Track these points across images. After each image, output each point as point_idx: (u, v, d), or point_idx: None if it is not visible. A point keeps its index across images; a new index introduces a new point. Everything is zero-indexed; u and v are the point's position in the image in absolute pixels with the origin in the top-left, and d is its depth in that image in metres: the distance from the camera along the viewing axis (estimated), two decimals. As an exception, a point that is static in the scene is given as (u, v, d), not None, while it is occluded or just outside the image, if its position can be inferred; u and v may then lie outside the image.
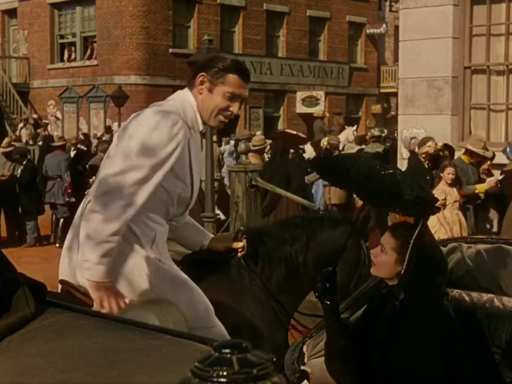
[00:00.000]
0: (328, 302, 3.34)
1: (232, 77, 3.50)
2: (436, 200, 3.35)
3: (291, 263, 4.13)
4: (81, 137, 21.97)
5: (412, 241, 3.26)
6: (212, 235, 3.99)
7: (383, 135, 15.39)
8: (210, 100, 3.50)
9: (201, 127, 3.55)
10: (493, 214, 10.10)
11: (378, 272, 3.46)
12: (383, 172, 3.45)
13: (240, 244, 3.93)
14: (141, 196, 3.24)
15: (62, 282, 3.45)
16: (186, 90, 3.59)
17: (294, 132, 15.21)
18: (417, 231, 3.27)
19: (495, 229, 9.91)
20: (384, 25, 36.10)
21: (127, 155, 3.26)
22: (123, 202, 3.20)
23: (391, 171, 3.43)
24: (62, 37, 31.38)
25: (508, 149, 10.26)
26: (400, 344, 3.24)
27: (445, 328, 3.26)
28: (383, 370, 3.29)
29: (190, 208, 3.66)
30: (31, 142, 23.29)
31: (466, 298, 3.64)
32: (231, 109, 3.53)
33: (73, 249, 3.46)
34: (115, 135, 3.60)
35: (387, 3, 36.95)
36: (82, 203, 3.53)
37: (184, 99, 3.52)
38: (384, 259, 3.37)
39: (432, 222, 8.84)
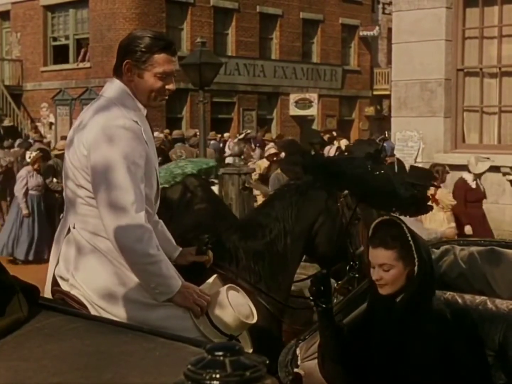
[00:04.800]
0: (323, 305, 3.32)
1: (158, 57, 3.33)
2: (429, 198, 3.37)
3: (271, 249, 4.06)
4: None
5: (410, 239, 3.24)
6: (181, 248, 3.84)
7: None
8: (143, 85, 3.35)
9: (144, 112, 3.42)
10: None
11: (391, 289, 3.30)
12: (376, 173, 3.47)
13: (204, 258, 3.77)
14: (141, 210, 3.21)
15: (57, 290, 3.43)
16: (115, 80, 3.42)
17: None
18: (405, 227, 3.26)
19: None
20: (377, 28, 36.14)
21: (108, 184, 3.17)
22: (135, 228, 3.18)
23: (383, 171, 3.45)
24: (55, 39, 31.34)
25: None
26: (404, 344, 3.24)
27: (445, 327, 3.27)
28: (383, 371, 3.28)
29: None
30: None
31: (459, 300, 3.65)
32: (167, 87, 3.39)
33: (54, 260, 3.47)
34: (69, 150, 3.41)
35: (380, 6, 36.99)
36: (63, 223, 3.50)
37: (118, 91, 3.37)
38: (394, 274, 3.25)
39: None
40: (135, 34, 3.45)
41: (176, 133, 18.49)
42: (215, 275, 3.67)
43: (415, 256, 3.23)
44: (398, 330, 3.27)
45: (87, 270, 3.32)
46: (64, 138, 21.32)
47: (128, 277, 3.28)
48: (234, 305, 3.45)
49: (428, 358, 3.21)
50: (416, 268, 3.24)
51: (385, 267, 3.24)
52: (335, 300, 4.01)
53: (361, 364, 3.37)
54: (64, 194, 3.51)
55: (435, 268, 3.52)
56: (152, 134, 3.56)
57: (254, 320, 3.53)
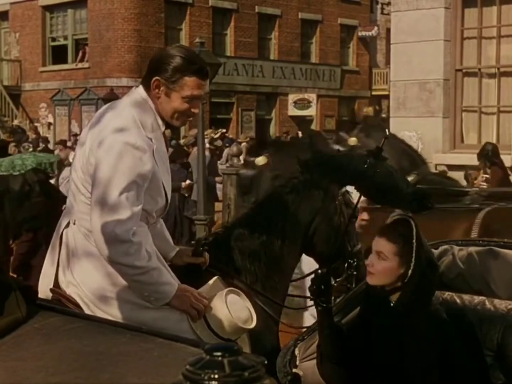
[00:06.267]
0: (324, 304, 3.33)
1: (189, 80, 3.29)
2: (430, 196, 3.42)
3: (267, 250, 4.05)
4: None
5: (414, 242, 3.25)
6: (178, 248, 3.83)
7: None
8: (168, 104, 3.33)
9: (162, 128, 3.40)
10: None
11: (378, 280, 3.34)
12: (378, 170, 3.52)
13: (200, 259, 3.76)
14: (131, 227, 3.18)
15: (53, 291, 3.43)
16: (142, 91, 3.37)
17: None
18: (415, 230, 3.27)
19: None
20: (375, 28, 36.15)
21: (104, 195, 3.17)
22: (121, 243, 3.16)
23: (384, 167, 3.49)
24: (53, 39, 31.33)
25: None
26: (401, 345, 3.24)
27: (442, 328, 3.27)
28: (382, 371, 3.29)
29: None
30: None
31: (458, 300, 3.65)
32: (192, 110, 3.37)
33: (52, 264, 3.47)
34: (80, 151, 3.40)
35: (379, 6, 36.98)
36: (63, 218, 3.49)
37: (141, 103, 3.35)
38: (385, 266, 3.29)
39: None
40: (168, 52, 3.40)
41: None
42: (216, 277, 3.66)
43: (413, 259, 3.24)
44: (395, 331, 3.27)
45: (84, 269, 3.32)
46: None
47: None
48: (232, 310, 3.44)
49: (426, 358, 3.21)
50: (410, 271, 3.26)
51: (381, 255, 3.30)
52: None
53: (359, 364, 3.37)
54: (68, 188, 3.50)
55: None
56: (167, 150, 3.56)
57: (253, 325, 3.52)
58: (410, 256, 3.24)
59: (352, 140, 6.79)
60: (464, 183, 9.72)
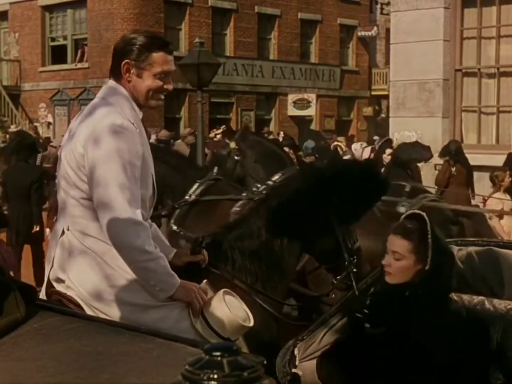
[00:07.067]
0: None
1: (157, 56, 3.35)
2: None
3: (266, 249, 4.05)
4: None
5: (430, 237, 3.24)
6: (175, 249, 3.82)
7: None
8: (141, 84, 3.36)
9: (140, 115, 3.43)
10: None
11: (396, 279, 3.34)
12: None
13: (199, 257, 3.78)
14: (137, 209, 3.19)
15: (53, 292, 3.43)
16: (112, 83, 3.41)
17: None
18: (429, 224, 3.27)
19: None
20: (375, 28, 36.14)
21: (106, 184, 3.17)
22: (132, 225, 3.16)
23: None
24: (53, 39, 31.32)
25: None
26: (416, 340, 3.24)
27: (457, 326, 3.28)
28: (379, 371, 3.28)
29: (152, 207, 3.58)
30: None
31: (457, 300, 3.65)
32: (165, 87, 3.41)
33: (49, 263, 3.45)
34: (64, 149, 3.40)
35: (378, 6, 36.97)
36: (56, 225, 3.48)
37: (115, 93, 3.38)
38: (402, 265, 3.29)
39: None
40: (129, 36, 3.46)
41: (162, 134, 18.27)
42: (204, 281, 3.64)
43: (429, 254, 3.23)
44: (413, 331, 3.25)
45: (81, 272, 3.31)
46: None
47: (123, 279, 3.27)
48: (231, 308, 3.44)
49: (427, 358, 3.21)
50: (427, 266, 3.26)
51: (396, 256, 3.30)
52: (333, 296, 4.05)
53: (359, 364, 3.37)
54: (57, 195, 3.49)
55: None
56: (147, 136, 3.56)
57: (251, 324, 3.52)
58: (427, 252, 3.24)
59: (232, 144, 8.25)
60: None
